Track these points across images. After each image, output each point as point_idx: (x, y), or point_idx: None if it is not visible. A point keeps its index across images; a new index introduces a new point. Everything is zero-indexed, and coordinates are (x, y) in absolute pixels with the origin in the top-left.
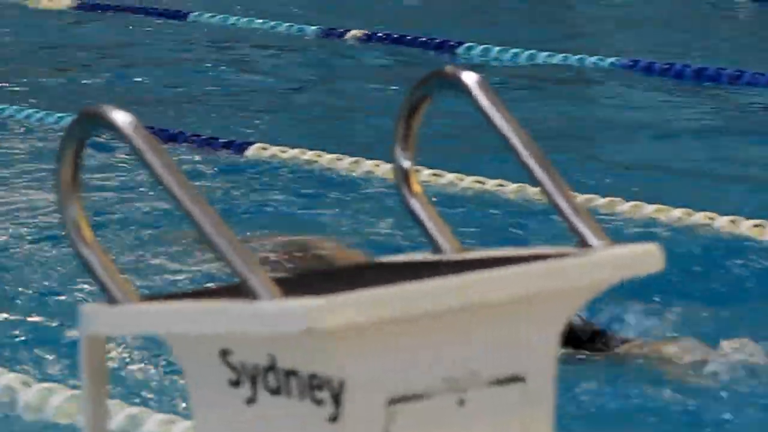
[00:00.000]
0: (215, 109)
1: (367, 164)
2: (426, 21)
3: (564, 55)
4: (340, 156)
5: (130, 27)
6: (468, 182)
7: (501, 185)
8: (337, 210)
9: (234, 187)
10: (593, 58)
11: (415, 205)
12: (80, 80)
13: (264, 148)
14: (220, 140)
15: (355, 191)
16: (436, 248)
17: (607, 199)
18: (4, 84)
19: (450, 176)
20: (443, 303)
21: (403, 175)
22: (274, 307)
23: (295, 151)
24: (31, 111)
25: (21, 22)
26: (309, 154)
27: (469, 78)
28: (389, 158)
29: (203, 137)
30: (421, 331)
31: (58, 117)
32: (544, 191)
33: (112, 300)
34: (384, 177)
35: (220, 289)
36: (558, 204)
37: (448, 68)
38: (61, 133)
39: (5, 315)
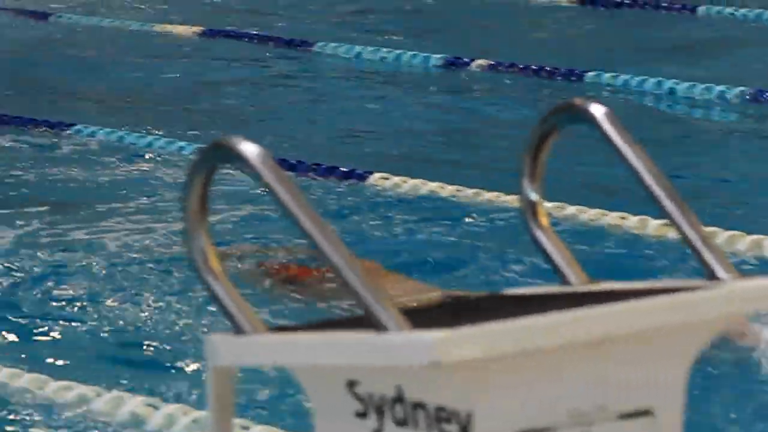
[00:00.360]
0: (336, 139)
1: (488, 196)
2: (551, 50)
3: (691, 83)
4: (460, 187)
5: (255, 58)
6: (591, 215)
7: (623, 218)
8: (456, 241)
9: (355, 217)
10: (721, 87)
11: (542, 237)
12: (207, 109)
13: (385, 178)
14: (340, 169)
15: (476, 223)
16: (564, 280)
17: (728, 233)
18: (139, 113)
19: (571, 209)
20: (570, 336)
21: (530, 208)
22: (401, 339)
23: (417, 182)
24: (156, 139)
25: (147, 49)
26: (430, 185)
27: (597, 110)
28: (510, 190)
29: (324, 166)
30: (549, 364)
31: (181, 145)
32: (673, 223)
33: (239, 330)
34: (506, 208)
35: (346, 320)
36: (687, 236)
37: (576, 100)
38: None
39: (132, 341)
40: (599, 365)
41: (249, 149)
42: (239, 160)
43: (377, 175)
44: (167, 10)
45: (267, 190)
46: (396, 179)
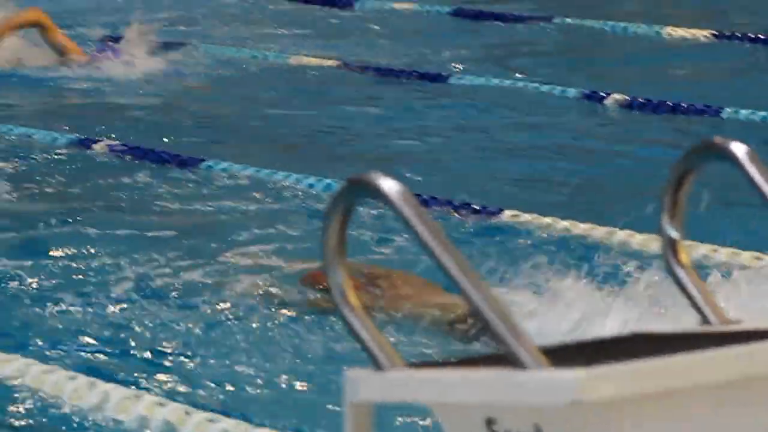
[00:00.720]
0: (465, 175)
1: (622, 234)
2: (687, 85)
3: None
4: (594, 225)
5: (394, 92)
6: (724, 254)
7: (758, 258)
8: (589, 280)
9: (486, 253)
10: None
11: (682, 275)
12: (341, 144)
13: (515, 216)
14: (471, 205)
15: (607, 261)
16: (703, 319)
17: None
18: (268, 147)
19: (704, 248)
20: (709, 376)
21: (670, 246)
22: (541, 378)
23: (548, 220)
24: (287, 175)
25: (282, 81)
26: (563, 224)
27: (739, 149)
28: (644, 228)
29: (455, 203)
30: (689, 402)
31: (317, 181)
32: None
33: (377, 366)
34: (640, 248)
35: (484, 357)
36: None
37: (717, 139)
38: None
39: (259, 373)
40: (733, 405)
41: (388, 185)
42: (378, 197)
43: (508, 212)
44: (305, 43)
45: (406, 225)
46: (527, 216)
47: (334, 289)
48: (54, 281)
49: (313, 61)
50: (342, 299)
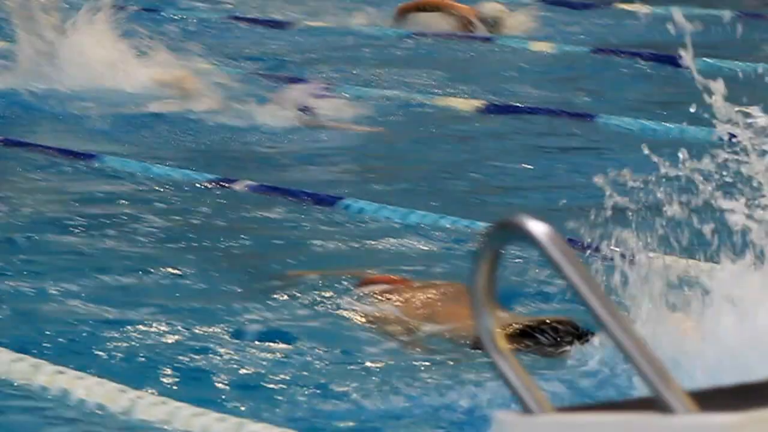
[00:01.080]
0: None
1: None
2: None
3: None
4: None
5: (536, 131)
6: None
7: None
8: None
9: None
10: None
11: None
12: (479, 183)
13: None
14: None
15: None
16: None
17: None
18: (412, 187)
19: None
20: None
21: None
22: (691, 422)
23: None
24: (425, 215)
25: (424, 120)
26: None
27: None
28: None
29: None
30: None
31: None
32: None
33: (526, 409)
34: None
35: (631, 402)
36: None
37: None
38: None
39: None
40: None
41: (537, 228)
42: (527, 240)
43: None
44: (446, 82)
45: (556, 269)
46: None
47: (482, 332)
48: (197, 320)
49: (457, 101)
50: (490, 343)
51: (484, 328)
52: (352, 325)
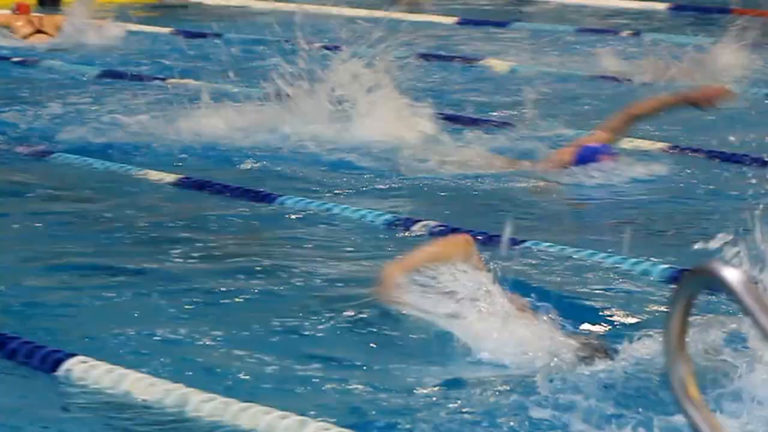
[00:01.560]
0: None
1: None
2: None
3: None
4: None
5: (729, 177)
6: None
7: None
8: None
9: None
10: None
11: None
12: (678, 226)
13: None
14: None
15: None
16: None
17: None
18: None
19: None
20: None
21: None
22: None
23: None
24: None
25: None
26: None
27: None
28: None
29: None
30: None
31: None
32: None
33: None
34: None
35: None
36: None
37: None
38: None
39: None
40: None
41: (731, 275)
42: (721, 287)
43: None
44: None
45: (749, 316)
46: None
47: (674, 380)
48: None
49: (644, 143)
50: (681, 392)
51: (677, 375)
52: None
